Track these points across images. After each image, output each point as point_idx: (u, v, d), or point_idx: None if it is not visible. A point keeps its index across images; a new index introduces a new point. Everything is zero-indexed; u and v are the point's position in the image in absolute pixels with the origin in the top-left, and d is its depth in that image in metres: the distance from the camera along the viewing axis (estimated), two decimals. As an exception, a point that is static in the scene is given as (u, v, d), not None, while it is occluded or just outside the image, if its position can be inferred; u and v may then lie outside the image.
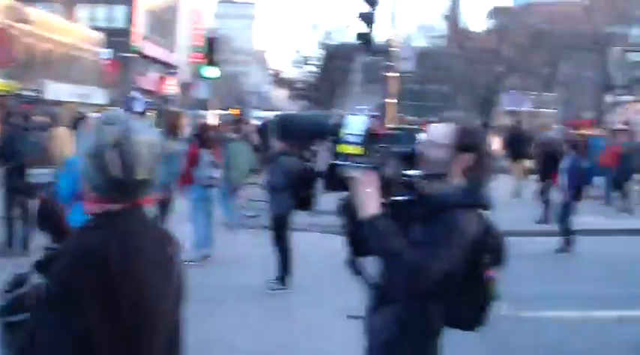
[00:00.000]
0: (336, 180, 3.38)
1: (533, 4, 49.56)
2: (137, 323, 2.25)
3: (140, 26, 61.11)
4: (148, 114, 40.50)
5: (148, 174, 2.30)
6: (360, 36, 20.25)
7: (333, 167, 3.41)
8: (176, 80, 70.50)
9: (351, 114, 3.54)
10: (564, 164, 13.14)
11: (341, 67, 51.37)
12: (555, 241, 12.63)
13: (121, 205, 2.30)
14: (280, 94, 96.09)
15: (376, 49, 21.51)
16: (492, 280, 3.40)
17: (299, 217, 10.42)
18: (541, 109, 45.69)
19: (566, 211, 12.74)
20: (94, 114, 14.86)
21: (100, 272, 2.16)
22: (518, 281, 10.34)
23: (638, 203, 17.82)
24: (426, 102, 57.42)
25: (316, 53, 56.97)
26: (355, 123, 3.45)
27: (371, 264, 3.44)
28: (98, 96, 49.93)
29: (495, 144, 17.14)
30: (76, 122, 11.80)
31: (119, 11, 61.54)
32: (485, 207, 3.40)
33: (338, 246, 3.57)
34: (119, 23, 60.68)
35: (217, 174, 11.14)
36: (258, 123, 24.97)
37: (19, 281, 2.35)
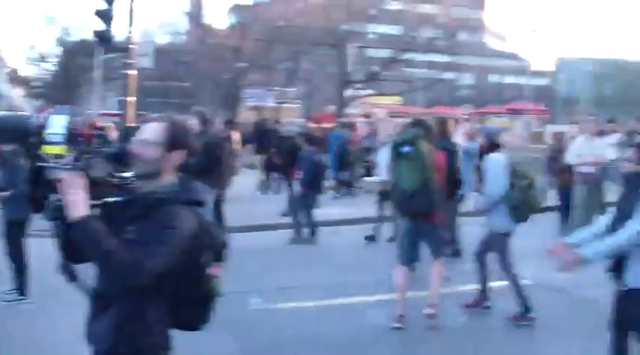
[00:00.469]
0: (43, 183, 3.29)
1: (272, 1, 50.70)
2: None
3: None
4: None
5: None
6: (98, 33, 19.67)
7: (38, 169, 3.31)
8: None
9: (54, 114, 3.44)
10: (301, 158, 13.56)
11: (81, 64, 49.80)
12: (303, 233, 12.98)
13: None
14: (16, 93, 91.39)
15: (115, 47, 20.99)
16: (214, 277, 3.45)
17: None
18: (285, 104, 46.82)
19: (304, 204, 13.09)
20: None
21: None
22: (267, 274, 10.59)
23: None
24: (169, 99, 57.08)
25: (54, 50, 54.82)
26: (57, 123, 3.37)
27: (86, 270, 3.35)
28: None
29: (238, 140, 17.34)
30: None
31: None
32: (200, 204, 3.43)
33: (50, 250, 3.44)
34: None
35: None
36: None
37: None
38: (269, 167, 20.61)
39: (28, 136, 10.99)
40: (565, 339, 7.69)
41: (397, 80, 49.00)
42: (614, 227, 5.17)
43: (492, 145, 8.53)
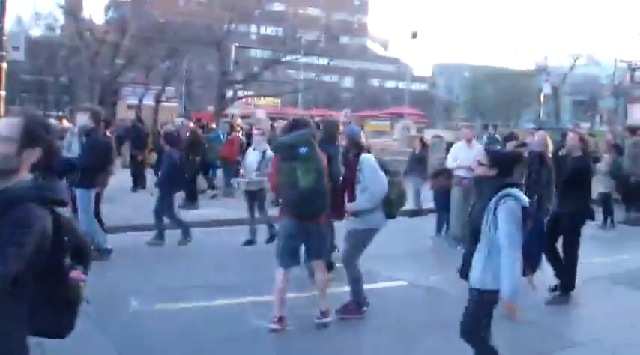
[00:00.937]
0: None
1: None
2: None
3: None
4: None
5: None
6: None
7: None
8: None
9: None
10: (162, 157, 13.39)
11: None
12: (179, 233, 12.75)
13: None
14: None
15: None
16: (77, 281, 3.30)
17: None
18: (163, 103, 46.20)
19: (164, 204, 12.81)
20: None
21: None
22: (145, 275, 10.37)
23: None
24: (45, 94, 55.43)
25: None
26: None
27: None
28: None
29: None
30: None
31: None
32: (60, 203, 3.26)
33: None
34: None
35: None
36: None
37: None
38: (140, 166, 20.50)
39: None
40: (437, 336, 7.79)
41: (277, 81, 49.18)
42: (474, 236, 5.62)
43: (357, 146, 8.63)
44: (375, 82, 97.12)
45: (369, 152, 8.79)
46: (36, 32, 46.45)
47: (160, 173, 13.40)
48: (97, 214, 11.40)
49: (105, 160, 10.97)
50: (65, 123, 17.26)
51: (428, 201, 15.81)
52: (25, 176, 3.21)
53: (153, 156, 20.56)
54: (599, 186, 16.12)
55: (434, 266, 11.72)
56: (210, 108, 44.05)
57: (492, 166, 5.62)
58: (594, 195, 13.21)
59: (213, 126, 25.88)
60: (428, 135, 21.95)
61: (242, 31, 45.32)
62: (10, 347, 3.15)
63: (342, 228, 9.41)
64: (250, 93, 47.31)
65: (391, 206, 8.45)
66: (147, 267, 11.05)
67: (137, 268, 10.91)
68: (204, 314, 8.47)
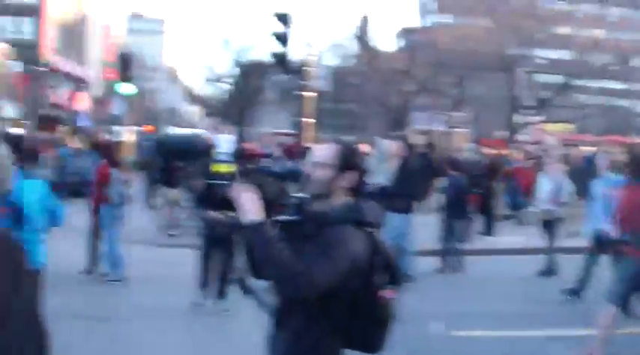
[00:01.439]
0: (217, 199, 3.39)
1: (438, 25, 50.64)
2: None
3: (49, 39, 59.87)
4: (60, 128, 39.95)
5: (7, 184, 2.47)
6: (275, 55, 20.38)
7: (210, 186, 3.45)
8: (87, 95, 69.29)
9: (220, 134, 3.62)
10: (445, 183, 13.28)
11: (254, 84, 51.43)
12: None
13: None
14: (194, 111, 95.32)
15: (290, 68, 21.68)
16: (388, 300, 3.45)
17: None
18: (453, 129, 46.45)
19: (446, 229, 12.85)
20: None
21: None
22: (450, 299, 10.51)
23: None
24: (340, 120, 57.85)
25: (229, 70, 56.84)
26: (225, 143, 3.53)
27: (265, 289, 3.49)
28: (9, 109, 48.90)
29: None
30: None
31: (27, 23, 60.20)
32: (373, 224, 3.46)
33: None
34: (28, 35, 59.35)
35: (125, 192, 11.06)
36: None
37: None
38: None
39: (200, 155, 11.63)
40: None
41: (569, 106, 47.70)
42: None
43: None
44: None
45: None
46: (332, 62, 48.73)
47: (444, 198, 13.35)
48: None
49: (421, 185, 11.18)
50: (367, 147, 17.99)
51: None
52: (341, 199, 3.49)
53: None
54: None
55: None
56: (498, 134, 43.69)
57: None
58: None
59: (503, 152, 25.71)
60: None
61: (528, 55, 44.48)
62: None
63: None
64: (541, 118, 46.35)
65: None
66: (452, 291, 11.19)
67: (444, 291, 11.11)
68: (497, 343, 8.41)
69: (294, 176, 3.54)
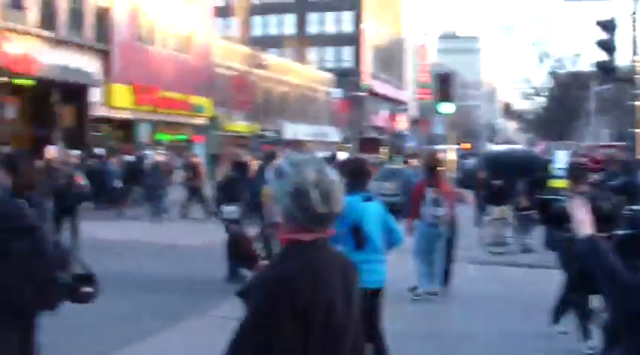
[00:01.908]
0: (553, 215, 3.30)
1: None
2: (326, 340, 2.50)
3: (368, 65, 62.45)
4: (382, 149, 41.37)
5: (340, 207, 2.56)
6: (600, 64, 19.49)
7: (546, 202, 3.36)
8: (405, 116, 71.34)
9: (557, 149, 3.47)
10: None
11: (574, 96, 49.80)
12: None
13: (313, 235, 2.54)
14: (510, 126, 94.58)
15: (618, 77, 20.62)
16: None
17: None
18: None
19: None
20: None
21: (292, 299, 2.41)
22: None
23: None
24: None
25: (546, 83, 55.57)
26: (562, 158, 3.40)
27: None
28: (332, 134, 51.74)
29: None
30: (266, 161, 12.19)
31: (346, 51, 63.42)
32: None
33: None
34: (347, 63, 62.47)
35: (441, 212, 10.80)
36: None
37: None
38: None
39: (535, 171, 11.31)
40: None
41: None
42: None
43: None
44: None
45: None
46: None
47: None
48: None
49: None
50: None
51: None
52: None
53: None
54: None
55: None
56: None
57: None
58: None
59: None
60: None
61: None
62: None
63: None
64: None
65: None
66: None
67: None
68: None
69: (630, 190, 3.26)
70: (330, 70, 57.69)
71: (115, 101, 30.23)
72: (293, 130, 45.21)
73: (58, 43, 27.19)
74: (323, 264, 2.54)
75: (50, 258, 3.79)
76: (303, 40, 59.70)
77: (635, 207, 3.20)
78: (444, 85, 25.30)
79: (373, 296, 5.87)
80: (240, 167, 13.10)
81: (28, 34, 25.44)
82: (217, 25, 43.32)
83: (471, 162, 26.70)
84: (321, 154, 24.02)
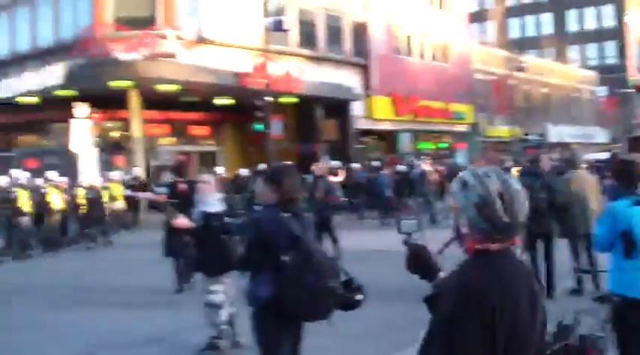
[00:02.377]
0: None
1: None
2: (510, 352, 2.45)
3: (634, 59, 59.23)
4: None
5: (524, 217, 2.53)
6: None
7: None
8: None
9: None
10: None
11: None
12: None
13: (498, 245, 2.53)
14: None
15: None
16: None
17: None
18: None
19: None
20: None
21: (480, 308, 2.41)
22: None
23: None
24: None
25: None
26: None
27: None
28: (599, 135, 49.65)
29: None
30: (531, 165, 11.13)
31: (609, 47, 60.59)
32: None
33: None
34: (611, 59, 59.74)
35: None
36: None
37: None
38: None
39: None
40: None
41: None
42: None
43: None
44: None
45: None
46: None
47: None
48: None
49: None
50: None
51: None
52: None
53: None
54: None
55: None
56: None
57: None
58: None
59: None
60: None
61: None
62: None
63: None
64: None
65: None
66: None
67: None
68: None
69: None
70: (593, 68, 55.44)
71: (376, 113, 30.91)
72: (557, 133, 43.91)
73: (319, 60, 27.99)
74: (509, 273, 2.54)
75: (320, 268, 4.06)
76: (562, 39, 57.80)
77: None
78: None
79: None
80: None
81: (290, 54, 26.32)
82: (473, 30, 42.90)
83: None
84: (593, 156, 22.65)
